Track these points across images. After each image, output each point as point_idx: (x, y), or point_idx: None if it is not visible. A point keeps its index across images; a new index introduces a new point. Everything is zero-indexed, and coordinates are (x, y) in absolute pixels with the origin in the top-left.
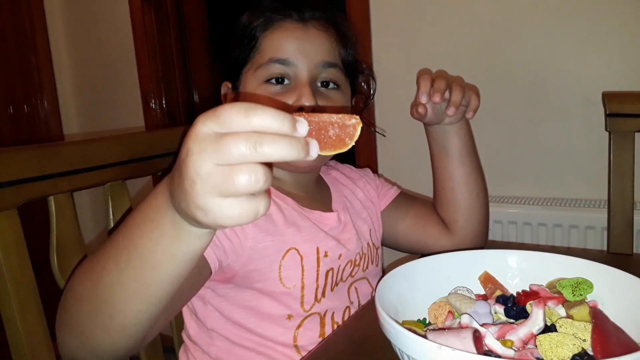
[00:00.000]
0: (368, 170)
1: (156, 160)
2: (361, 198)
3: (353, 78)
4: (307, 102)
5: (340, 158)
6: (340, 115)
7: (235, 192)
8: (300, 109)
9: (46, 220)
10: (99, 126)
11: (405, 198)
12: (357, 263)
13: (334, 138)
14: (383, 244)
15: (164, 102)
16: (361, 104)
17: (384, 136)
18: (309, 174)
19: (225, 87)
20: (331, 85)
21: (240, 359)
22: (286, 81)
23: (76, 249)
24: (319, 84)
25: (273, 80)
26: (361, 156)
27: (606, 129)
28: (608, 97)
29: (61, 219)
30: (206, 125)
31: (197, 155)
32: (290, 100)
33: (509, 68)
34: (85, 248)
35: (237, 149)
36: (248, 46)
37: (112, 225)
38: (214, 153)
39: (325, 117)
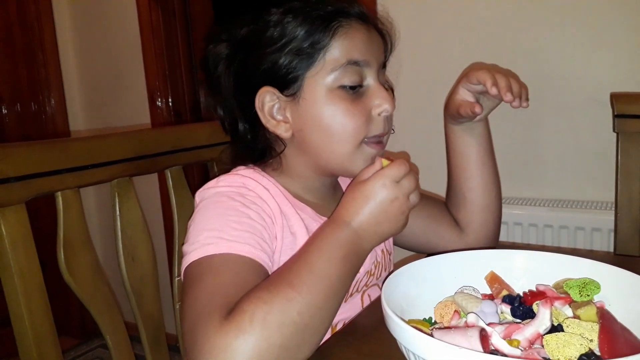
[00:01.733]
0: None
1: (162, 157)
2: None
3: None
4: (389, 106)
5: None
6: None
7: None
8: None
9: (53, 216)
10: (105, 123)
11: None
12: (372, 272)
13: None
14: (395, 244)
15: (170, 99)
16: None
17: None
18: (329, 179)
19: (265, 95)
20: (385, 86)
21: None
22: (359, 84)
23: (83, 245)
24: None
25: (348, 84)
26: None
27: (614, 130)
28: (616, 98)
29: (68, 214)
30: (382, 180)
31: (389, 199)
32: (369, 105)
33: (516, 68)
34: (92, 244)
35: (410, 185)
36: (315, 47)
37: (119, 221)
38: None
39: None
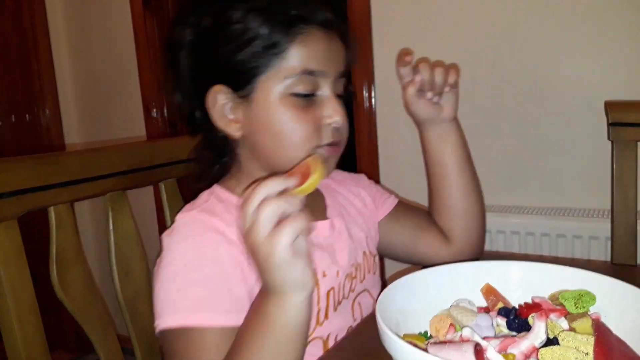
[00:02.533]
0: (362, 176)
1: (157, 170)
2: (356, 204)
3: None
4: (340, 118)
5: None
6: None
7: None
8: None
9: (46, 228)
10: (100, 135)
11: (404, 208)
12: (353, 275)
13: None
14: (381, 254)
15: (165, 111)
16: None
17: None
18: None
19: (218, 94)
20: (340, 94)
21: None
22: (312, 93)
23: (76, 261)
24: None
25: (301, 92)
26: (362, 163)
27: (609, 138)
28: (610, 106)
29: (61, 230)
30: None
31: (250, 245)
32: (319, 115)
33: (511, 76)
34: (85, 259)
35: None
36: (271, 52)
37: (112, 235)
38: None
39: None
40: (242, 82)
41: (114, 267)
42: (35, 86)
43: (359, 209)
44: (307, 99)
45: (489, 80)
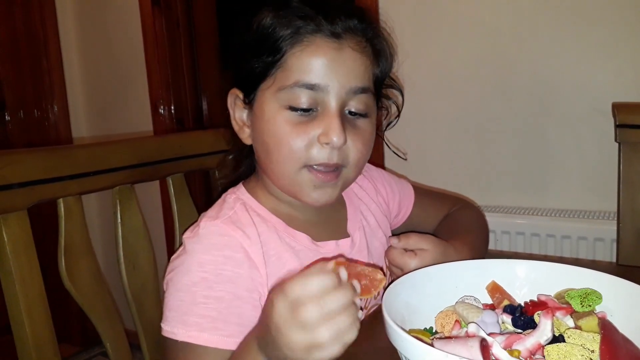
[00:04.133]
0: (374, 171)
1: (164, 164)
2: (376, 214)
3: (381, 94)
4: (335, 137)
5: None
6: (371, 269)
7: (322, 344)
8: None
9: (54, 222)
10: (108, 131)
11: (422, 211)
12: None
13: (363, 287)
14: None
15: (172, 107)
16: (383, 119)
17: (405, 159)
18: None
19: (234, 96)
20: (361, 112)
21: None
22: (312, 107)
23: (84, 252)
24: (347, 112)
25: (298, 106)
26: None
27: (616, 140)
28: (618, 108)
29: (70, 221)
30: (280, 303)
31: (284, 329)
32: (315, 132)
33: (517, 78)
34: (93, 251)
35: (310, 315)
36: (270, 59)
37: (120, 228)
38: (294, 322)
39: (360, 268)
40: (248, 87)
41: (122, 260)
42: (44, 83)
43: (378, 220)
44: (307, 114)
45: (496, 82)
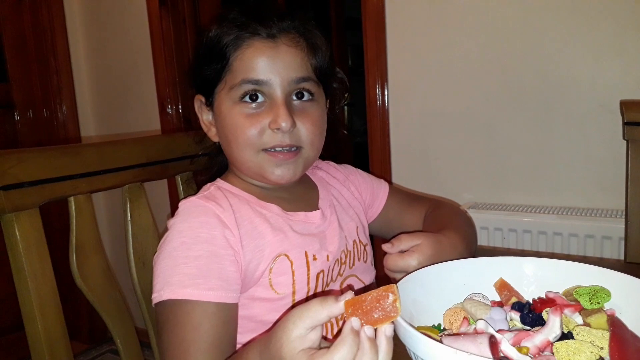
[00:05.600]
0: (348, 167)
1: (173, 163)
2: (347, 196)
3: (327, 83)
4: (283, 122)
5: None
6: (379, 293)
7: None
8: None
9: (62, 221)
10: (116, 130)
11: (397, 204)
12: (343, 261)
13: (381, 317)
14: (375, 233)
15: (179, 106)
16: (336, 105)
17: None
18: None
19: (199, 101)
20: (306, 96)
21: None
22: (260, 98)
23: (95, 249)
24: (294, 97)
25: (247, 99)
26: (374, 160)
27: (624, 138)
28: (626, 106)
29: (80, 219)
30: (297, 328)
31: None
32: (266, 120)
33: (524, 75)
34: (103, 249)
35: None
36: (219, 65)
37: (130, 226)
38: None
39: (368, 300)
40: (207, 92)
41: (132, 258)
42: (52, 82)
43: (349, 201)
44: (256, 106)
45: (503, 80)
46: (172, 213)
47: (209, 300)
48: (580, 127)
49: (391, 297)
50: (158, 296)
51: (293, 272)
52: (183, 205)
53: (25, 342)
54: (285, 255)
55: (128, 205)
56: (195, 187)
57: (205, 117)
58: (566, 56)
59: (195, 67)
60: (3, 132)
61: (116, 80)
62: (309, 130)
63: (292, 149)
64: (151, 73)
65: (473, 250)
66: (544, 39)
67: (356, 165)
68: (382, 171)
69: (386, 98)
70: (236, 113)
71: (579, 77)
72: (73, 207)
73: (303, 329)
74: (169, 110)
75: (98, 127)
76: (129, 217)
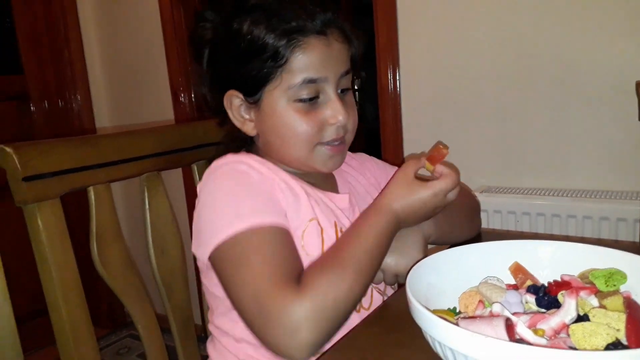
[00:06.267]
0: (363, 154)
1: (190, 152)
2: (364, 184)
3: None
4: (341, 117)
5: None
6: (436, 149)
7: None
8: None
9: (80, 211)
10: (129, 119)
11: None
12: None
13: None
14: None
15: (192, 95)
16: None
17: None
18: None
19: (232, 98)
20: (346, 90)
21: None
22: (316, 97)
23: (114, 237)
24: (339, 91)
25: (306, 97)
26: (386, 146)
27: (639, 119)
28: None
29: (100, 208)
30: (407, 174)
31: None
32: (323, 116)
33: (537, 58)
34: (122, 236)
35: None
36: (273, 64)
37: (148, 214)
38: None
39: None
40: (251, 90)
41: (150, 245)
42: (67, 73)
43: (366, 188)
44: (311, 103)
45: (516, 63)
46: (188, 201)
47: (270, 224)
48: (595, 109)
49: (444, 150)
50: (229, 232)
51: (323, 239)
52: (218, 162)
53: (44, 329)
54: (317, 220)
55: (146, 194)
56: None
57: (238, 112)
58: (580, 37)
59: (231, 64)
60: (19, 124)
61: (129, 70)
62: (353, 120)
63: (342, 141)
64: (163, 62)
65: (472, 218)
66: (557, 21)
67: (368, 151)
68: (394, 157)
69: (398, 84)
70: (293, 111)
71: (593, 58)
72: (92, 197)
73: (411, 174)
74: (181, 99)
75: (112, 117)
76: (147, 206)
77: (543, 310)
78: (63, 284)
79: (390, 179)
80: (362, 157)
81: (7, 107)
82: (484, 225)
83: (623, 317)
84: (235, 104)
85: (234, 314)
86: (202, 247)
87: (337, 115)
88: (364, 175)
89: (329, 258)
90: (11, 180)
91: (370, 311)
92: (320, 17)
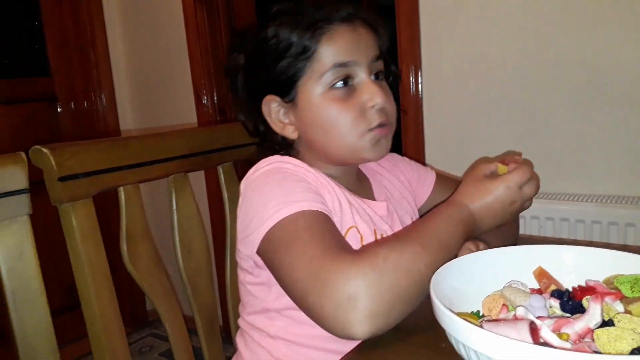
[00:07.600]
0: (394, 155)
1: (215, 154)
2: (399, 187)
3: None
4: (379, 98)
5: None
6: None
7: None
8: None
9: (105, 212)
10: (153, 121)
11: (441, 181)
12: None
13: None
14: None
15: (215, 97)
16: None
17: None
18: (352, 167)
19: (270, 102)
20: (380, 75)
21: (298, 336)
22: (349, 82)
23: (143, 237)
24: (373, 77)
25: (339, 84)
26: (408, 147)
27: None
28: None
29: (130, 208)
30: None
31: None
32: (360, 100)
33: (564, 61)
34: (151, 236)
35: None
36: (302, 58)
37: (175, 215)
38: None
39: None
40: (285, 89)
41: (177, 245)
42: (92, 75)
43: (401, 192)
44: (346, 89)
45: (541, 66)
46: (210, 204)
47: (317, 209)
48: (622, 113)
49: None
50: (266, 226)
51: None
52: (265, 161)
53: (72, 324)
54: (356, 227)
55: (174, 195)
56: (236, 178)
57: (279, 117)
58: (609, 42)
59: (263, 70)
60: (47, 125)
61: (152, 72)
62: (391, 104)
63: (386, 124)
64: (187, 65)
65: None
66: (585, 23)
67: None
68: (416, 158)
69: (420, 86)
70: (329, 100)
71: (620, 62)
72: (122, 197)
73: (480, 173)
74: (204, 101)
75: (136, 118)
76: (175, 207)
77: (567, 315)
78: (95, 281)
79: (460, 182)
80: (394, 157)
81: (36, 108)
82: None
83: None
84: (273, 108)
85: (272, 313)
86: (251, 238)
87: (374, 97)
88: (398, 177)
89: (390, 236)
90: (47, 179)
91: None
92: (345, 8)
